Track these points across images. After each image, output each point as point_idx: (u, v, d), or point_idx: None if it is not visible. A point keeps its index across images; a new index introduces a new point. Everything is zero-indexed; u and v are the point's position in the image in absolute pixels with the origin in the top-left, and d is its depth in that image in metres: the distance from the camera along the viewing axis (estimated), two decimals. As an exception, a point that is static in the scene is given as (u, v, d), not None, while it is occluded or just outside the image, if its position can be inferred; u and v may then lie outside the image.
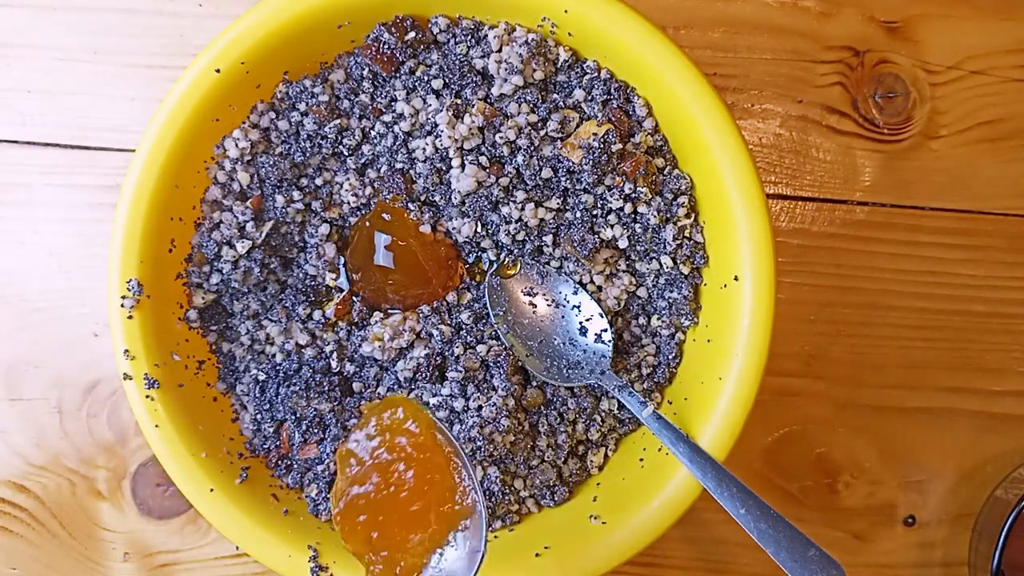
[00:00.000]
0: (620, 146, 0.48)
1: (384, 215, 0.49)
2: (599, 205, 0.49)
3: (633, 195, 0.48)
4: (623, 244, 0.49)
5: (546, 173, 0.49)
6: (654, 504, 0.46)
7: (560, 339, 0.49)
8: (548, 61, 0.49)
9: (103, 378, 0.59)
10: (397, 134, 0.49)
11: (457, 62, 0.49)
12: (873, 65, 0.61)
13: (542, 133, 0.49)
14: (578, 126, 0.49)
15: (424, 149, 0.49)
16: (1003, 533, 0.56)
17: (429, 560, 0.37)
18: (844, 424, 0.61)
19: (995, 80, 0.62)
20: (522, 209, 0.49)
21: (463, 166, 0.48)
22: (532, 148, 0.48)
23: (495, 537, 0.50)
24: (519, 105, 0.48)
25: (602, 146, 0.47)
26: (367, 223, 0.50)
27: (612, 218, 0.49)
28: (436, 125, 0.48)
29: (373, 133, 0.50)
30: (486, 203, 0.48)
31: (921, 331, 0.61)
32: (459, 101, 0.48)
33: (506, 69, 0.48)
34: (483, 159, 0.48)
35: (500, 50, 0.48)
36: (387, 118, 0.50)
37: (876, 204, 0.61)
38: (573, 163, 0.48)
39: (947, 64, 0.62)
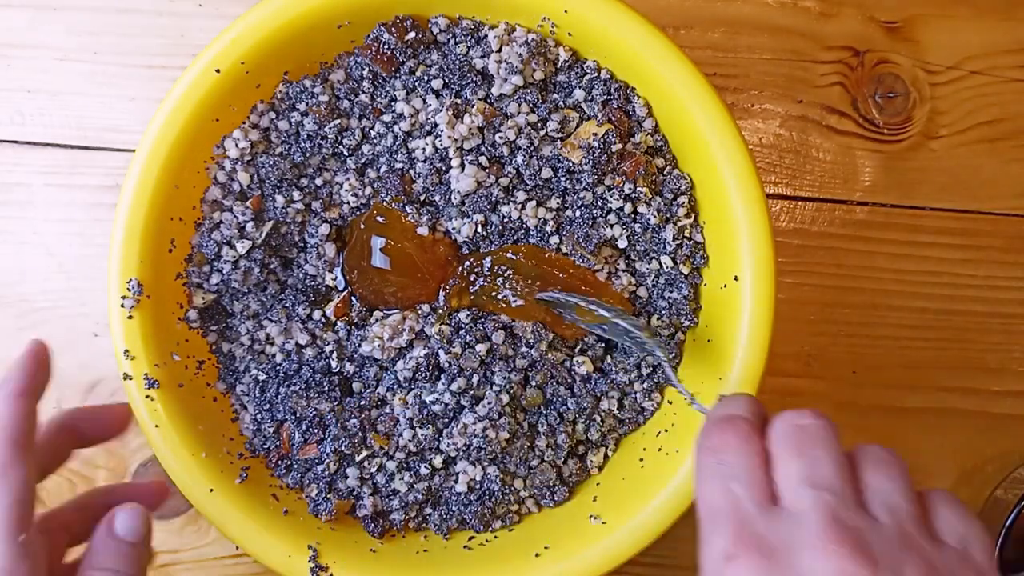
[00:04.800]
0: (620, 146, 0.48)
1: (379, 218, 0.49)
2: (599, 204, 0.49)
3: (633, 195, 0.49)
4: (623, 244, 0.49)
5: (546, 173, 0.49)
6: (654, 504, 0.46)
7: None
8: (548, 61, 0.49)
9: (103, 378, 0.59)
10: (397, 134, 0.49)
11: (457, 62, 0.49)
12: (873, 65, 0.61)
13: (542, 133, 0.49)
14: (578, 126, 0.49)
15: (424, 149, 0.49)
16: (1003, 533, 0.56)
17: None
18: (844, 424, 0.60)
19: (995, 80, 0.62)
20: (522, 209, 0.49)
21: (463, 166, 0.48)
22: (532, 148, 0.48)
23: (495, 537, 0.50)
24: (519, 105, 0.48)
25: (602, 146, 0.47)
26: (362, 225, 0.50)
27: (612, 218, 0.49)
28: (436, 125, 0.48)
29: (373, 133, 0.50)
30: (486, 203, 0.48)
31: (921, 331, 0.61)
32: (459, 101, 0.48)
33: (506, 69, 0.48)
34: (483, 159, 0.48)
35: (500, 50, 0.48)
36: (387, 118, 0.50)
37: (876, 204, 0.61)
38: (573, 163, 0.48)
39: (947, 64, 0.62)
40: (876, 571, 0.31)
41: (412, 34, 0.48)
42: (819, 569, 0.31)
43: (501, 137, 0.48)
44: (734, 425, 0.36)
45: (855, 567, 0.31)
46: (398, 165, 0.50)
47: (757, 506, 0.33)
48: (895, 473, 0.35)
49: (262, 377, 0.50)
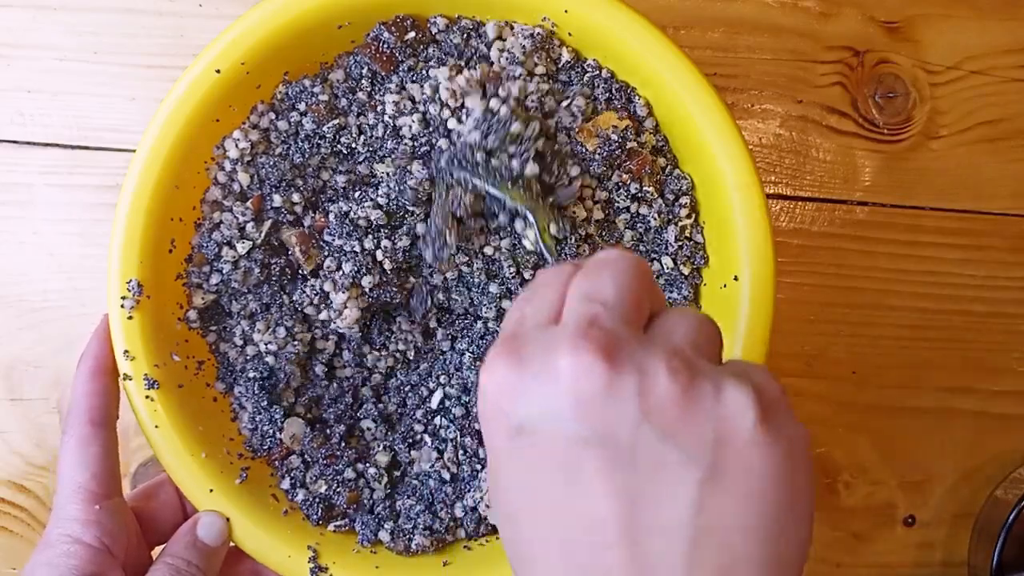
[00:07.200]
0: (634, 143, 0.48)
1: None
2: (611, 200, 0.49)
3: (639, 195, 0.48)
4: (627, 244, 0.49)
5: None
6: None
7: None
8: (551, 60, 0.48)
9: (103, 378, 0.59)
10: (387, 123, 0.49)
11: (455, 45, 0.48)
12: (873, 65, 0.61)
13: (563, 105, 0.47)
14: (594, 113, 0.48)
15: (410, 127, 0.48)
16: (1003, 533, 0.56)
17: None
18: (844, 424, 0.61)
19: (995, 80, 0.62)
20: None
21: (460, 120, 0.47)
22: (540, 111, 0.47)
23: (496, 538, 0.50)
24: (525, 83, 0.47)
25: (620, 140, 0.47)
26: None
27: (623, 217, 0.49)
28: (426, 99, 0.47)
29: (366, 126, 0.50)
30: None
31: (921, 331, 0.61)
32: (462, 63, 0.47)
33: (507, 59, 0.47)
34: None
35: (502, 39, 0.48)
36: (380, 108, 0.49)
37: (876, 204, 0.61)
38: (587, 150, 0.48)
39: (947, 64, 0.62)
40: (614, 366, 0.28)
41: (412, 34, 0.48)
42: (562, 364, 0.28)
43: (502, 92, 0.46)
44: (557, 267, 0.34)
45: (592, 359, 0.28)
46: (388, 146, 0.49)
47: (537, 325, 0.31)
48: (694, 320, 0.31)
49: (253, 375, 0.49)
